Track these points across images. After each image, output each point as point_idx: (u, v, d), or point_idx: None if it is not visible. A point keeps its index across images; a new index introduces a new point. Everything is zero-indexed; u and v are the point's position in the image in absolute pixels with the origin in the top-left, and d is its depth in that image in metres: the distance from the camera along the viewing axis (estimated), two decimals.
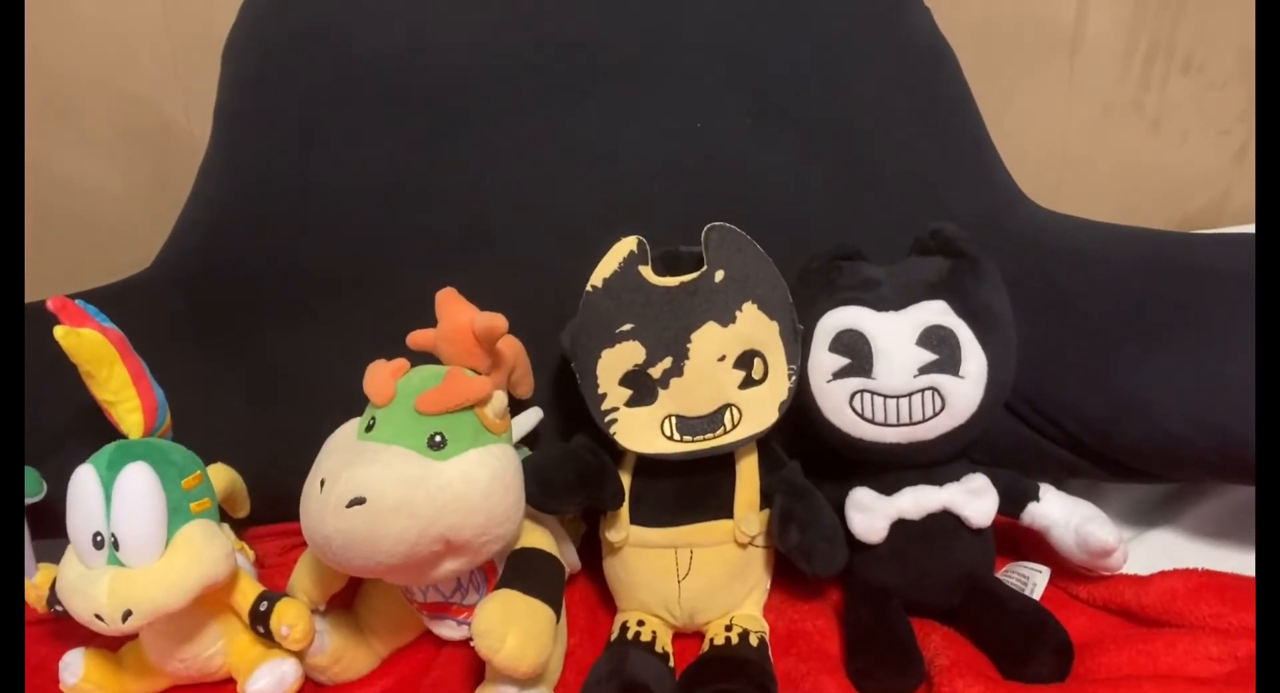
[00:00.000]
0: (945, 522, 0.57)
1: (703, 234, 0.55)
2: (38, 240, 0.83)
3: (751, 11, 0.72)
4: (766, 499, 0.59)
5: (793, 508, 0.57)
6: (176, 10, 0.91)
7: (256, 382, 0.74)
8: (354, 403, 0.54)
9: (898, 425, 0.56)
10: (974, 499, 0.57)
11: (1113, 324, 0.64)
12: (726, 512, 0.58)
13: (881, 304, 0.57)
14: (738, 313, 0.54)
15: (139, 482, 0.52)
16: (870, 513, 0.57)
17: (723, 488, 0.58)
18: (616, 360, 0.55)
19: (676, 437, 0.55)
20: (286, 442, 0.60)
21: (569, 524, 0.66)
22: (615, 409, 0.56)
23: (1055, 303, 0.66)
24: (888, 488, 0.57)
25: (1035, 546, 0.61)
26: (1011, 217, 0.73)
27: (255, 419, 0.72)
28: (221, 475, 0.65)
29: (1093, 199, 0.83)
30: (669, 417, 0.55)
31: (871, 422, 0.56)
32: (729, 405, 0.55)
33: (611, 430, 0.56)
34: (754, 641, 0.56)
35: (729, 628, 0.57)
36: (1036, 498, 0.59)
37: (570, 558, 0.62)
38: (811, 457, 0.60)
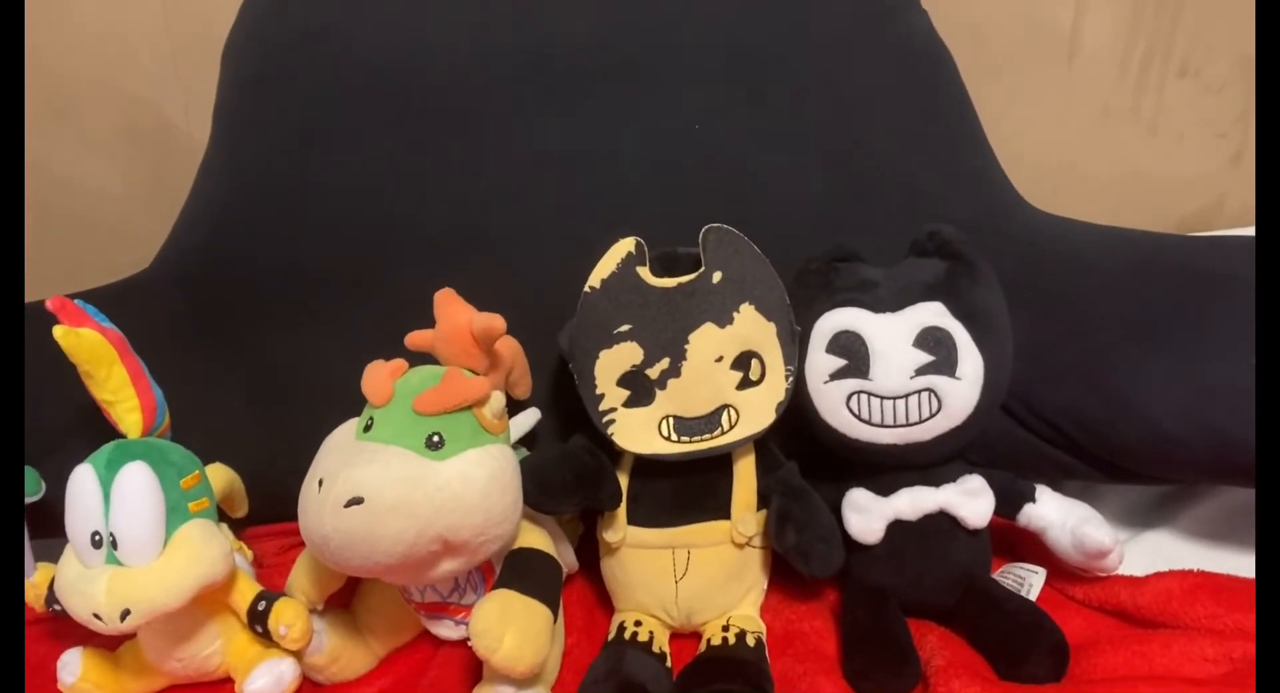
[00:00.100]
0: (942, 523, 0.57)
1: (700, 235, 0.55)
2: (37, 240, 0.82)
3: (751, 13, 0.73)
4: (764, 500, 0.59)
5: (790, 509, 0.57)
6: (176, 10, 0.91)
7: (255, 382, 0.74)
8: (353, 403, 0.54)
9: (894, 427, 0.56)
10: (970, 500, 0.57)
11: (1109, 326, 0.64)
12: (724, 512, 0.58)
13: (878, 306, 0.57)
14: (735, 314, 0.54)
15: (137, 481, 0.52)
16: (867, 514, 0.57)
17: (720, 489, 0.58)
18: (614, 361, 0.55)
19: (674, 437, 0.56)
20: (285, 442, 0.60)
21: (567, 525, 0.66)
22: (613, 410, 0.56)
23: (1052, 305, 0.66)
24: (884, 489, 0.58)
25: (1031, 547, 0.61)
26: (1008, 219, 0.73)
27: (254, 419, 0.72)
28: (220, 475, 0.65)
29: (1089, 202, 0.83)
30: (666, 417, 0.55)
31: (868, 423, 0.56)
32: (726, 406, 0.55)
33: (609, 431, 0.56)
34: (751, 641, 0.56)
35: (726, 628, 0.58)
36: (1033, 499, 0.59)
37: (568, 558, 0.63)
38: (808, 458, 0.60)
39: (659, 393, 0.55)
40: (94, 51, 0.93)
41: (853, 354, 0.56)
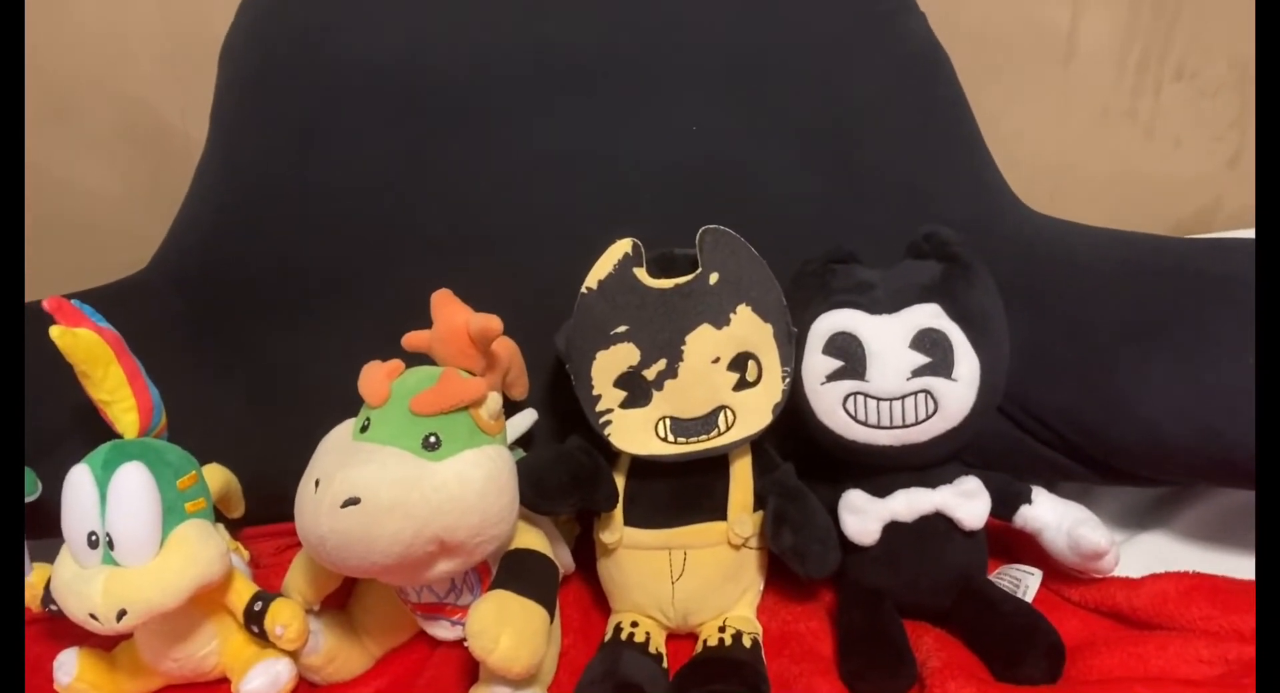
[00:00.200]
0: (938, 524, 0.57)
1: (697, 236, 0.55)
2: (36, 241, 0.82)
3: (750, 15, 0.73)
4: (760, 501, 0.59)
5: (786, 510, 0.57)
6: (174, 11, 0.91)
7: (253, 382, 0.74)
8: (350, 403, 0.54)
9: (891, 428, 0.56)
10: (966, 502, 0.57)
11: (1106, 328, 0.64)
12: (720, 514, 0.58)
13: (875, 307, 0.57)
14: (732, 315, 0.54)
15: (134, 481, 0.52)
16: (863, 515, 0.57)
17: (716, 490, 0.58)
18: (611, 362, 0.55)
19: (671, 438, 0.56)
20: (283, 442, 0.60)
21: (563, 525, 0.66)
22: (610, 411, 0.56)
23: (1048, 307, 0.66)
24: (880, 490, 0.58)
25: (1027, 548, 0.61)
26: (1005, 221, 0.73)
27: (251, 419, 0.72)
28: (216, 476, 0.65)
29: (1086, 204, 0.83)
30: (663, 418, 0.55)
31: (865, 424, 0.56)
32: (723, 407, 0.55)
33: (606, 432, 0.56)
34: (747, 642, 0.57)
35: (722, 629, 0.58)
36: (1029, 500, 0.59)
37: (564, 559, 0.63)
38: (805, 459, 0.61)
39: (656, 394, 0.55)
40: (92, 52, 0.93)
41: (849, 356, 0.56)
